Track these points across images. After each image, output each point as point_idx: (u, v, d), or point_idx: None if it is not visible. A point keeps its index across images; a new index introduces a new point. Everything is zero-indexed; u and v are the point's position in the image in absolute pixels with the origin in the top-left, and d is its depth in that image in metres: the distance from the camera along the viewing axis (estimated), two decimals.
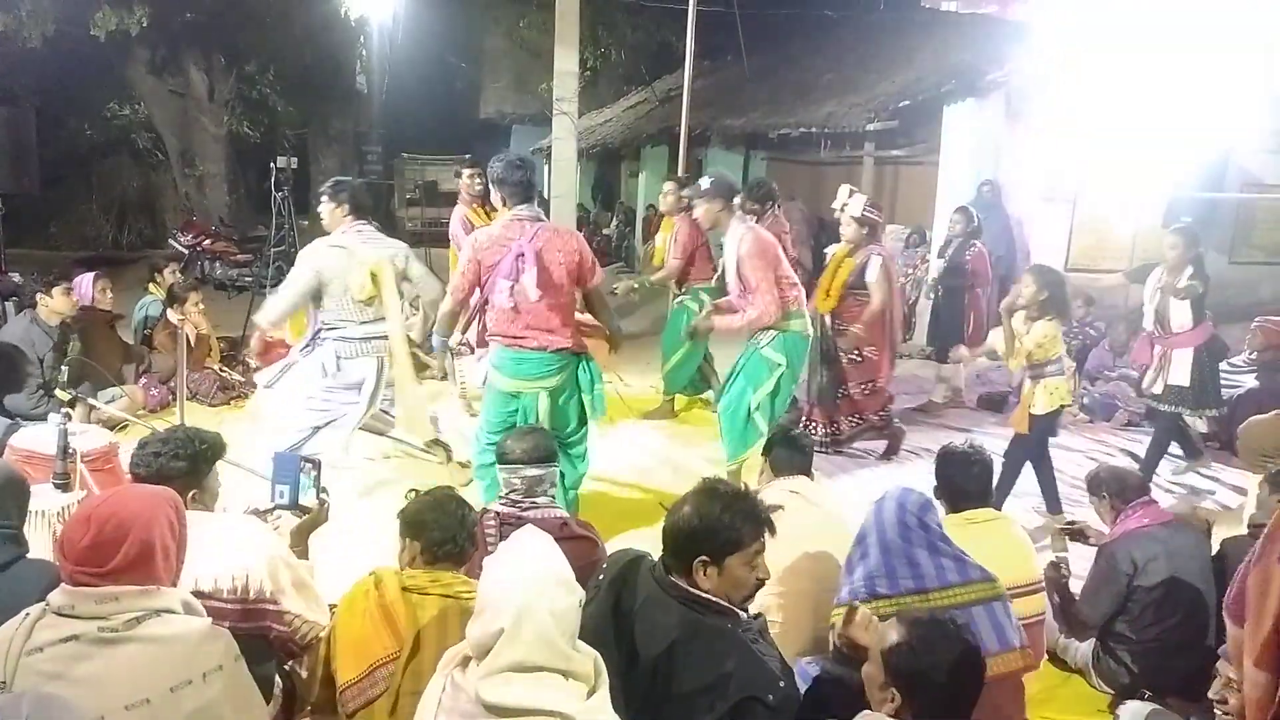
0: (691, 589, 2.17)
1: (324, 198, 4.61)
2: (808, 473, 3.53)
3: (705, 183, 4.90)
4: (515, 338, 3.96)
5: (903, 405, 7.23)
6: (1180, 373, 5.34)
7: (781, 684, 2.10)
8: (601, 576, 2.33)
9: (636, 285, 7.14)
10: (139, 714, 1.79)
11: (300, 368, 4.61)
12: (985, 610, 2.72)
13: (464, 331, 5.07)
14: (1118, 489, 3.52)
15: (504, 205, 4.06)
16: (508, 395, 4.06)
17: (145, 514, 1.96)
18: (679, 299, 6.59)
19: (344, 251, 4.47)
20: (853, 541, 2.87)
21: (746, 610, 2.26)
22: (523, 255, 3.85)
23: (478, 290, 4.06)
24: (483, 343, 4.22)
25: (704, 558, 2.15)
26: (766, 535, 2.22)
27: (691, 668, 2.08)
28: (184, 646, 1.88)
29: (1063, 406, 4.93)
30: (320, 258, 4.46)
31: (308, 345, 4.61)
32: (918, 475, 5.55)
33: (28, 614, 1.88)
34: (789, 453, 3.52)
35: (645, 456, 5.87)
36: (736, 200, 4.85)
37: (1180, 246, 5.29)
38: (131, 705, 1.79)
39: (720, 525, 2.16)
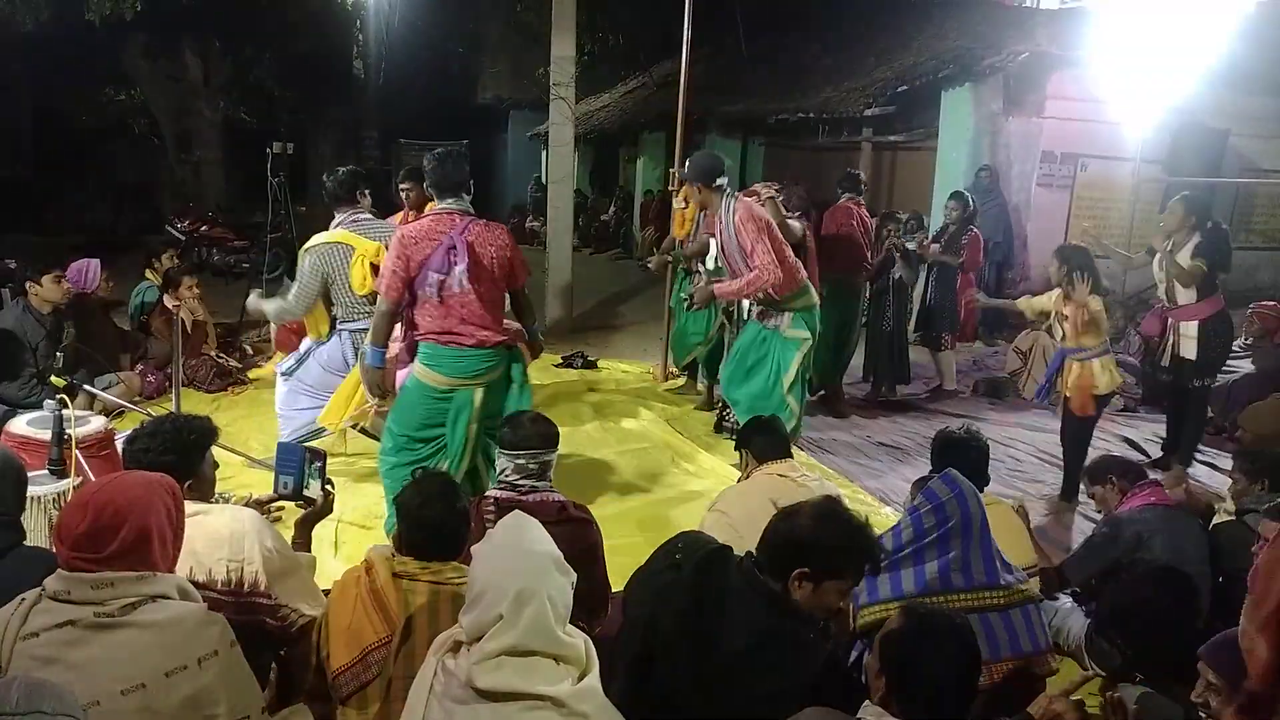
0: (780, 593, 2.17)
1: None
2: (789, 454, 3.57)
3: (687, 167, 4.94)
4: (451, 334, 3.82)
5: (906, 392, 7.24)
6: (1188, 346, 5.24)
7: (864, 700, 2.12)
8: (678, 555, 2.34)
9: (671, 259, 6.91)
10: (134, 699, 1.80)
11: (317, 356, 4.61)
12: (1035, 610, 2.78)
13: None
14: (1123, 472, 3.62)
15: (434, 199, 3.96)
16: (438, 392, 3.89)
17: (142, 500, 1.96)
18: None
19: (341, 247, 4.45)
20: (918, 534, 2.79)
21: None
22: (454, 249, 3.74)
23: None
24: (411, 351, 3.98)
25: (805, 570, 2.13)
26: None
27: (772, 669, 2.08)
28: (179, 632, 1.88)
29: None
30: (320, 257, 4.44)
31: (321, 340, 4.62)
32: (912, 461, 5.58)
33: (23, 599, 1.89)
34: (767, 438, 3.56)
35: (642, 441, 5.87)
36: (723, 180, 4.77)
37: (1180, 212, 5.14)
38: (127, 690, 1.80)
39: (835, 550, 2.15)
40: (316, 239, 4.52)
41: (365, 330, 4.40)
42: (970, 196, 7.32)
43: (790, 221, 5.54)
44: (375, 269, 4.26)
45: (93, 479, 3.40)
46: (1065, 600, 3.66)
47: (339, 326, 4.56)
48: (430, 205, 4.27)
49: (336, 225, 4.55)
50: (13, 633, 1.82)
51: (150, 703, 1.81)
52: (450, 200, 3.85)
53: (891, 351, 6.89)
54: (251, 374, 6.93)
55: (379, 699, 2.20)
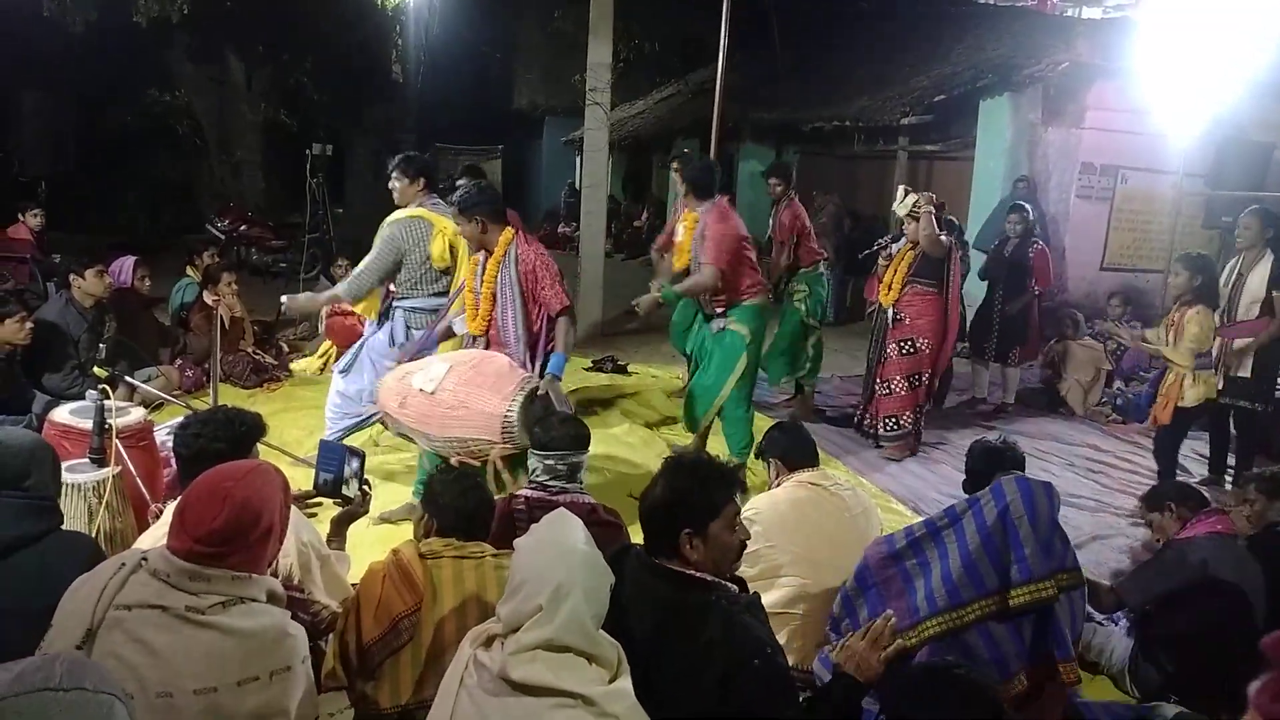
0: (675, 568, 2.18)
1: (395, 173, 4.67)
2: (816, 461, 3.48)
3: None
4: None
5: (956, 401, 7.17)
6: (1243, 363, 5.06)
7: (769, 650, 2.08)
8: None
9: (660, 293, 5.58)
10: (205, 700, 1.82)
11: (369, 347, 4.65)
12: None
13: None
14: (1181, 497, 3.58)
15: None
16: None
17: (273, 501, 1.98)
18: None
19: (422, 221, 4.53)
20: (991, 532, 2.74)
21: (737, 584, 2.26)
22: None
23: None
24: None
25: (688, 530, 2.16)
26: (739, 496, 2.26)
27: (677, 644, 2.09)
28: (259, 644, 1.89)
29: (1209, 400, 4.89)
30: (401, 229, 4.51)
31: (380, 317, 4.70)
32: (944, 471, 5.52)
33: (123, 564, 1.90)
34: (794, 442, 3.50)
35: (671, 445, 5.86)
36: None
37: (1256, 226, 5.04)
38: (199, 690, 1.81)
39: (694, 494, 2.19)
40: (397, 214, 4.62)
41: (420, 309, 4.52)
42: (1029, 208, 7.25)
43: (940, 237, 5.55)
44: (453, 250, 4.47)
45: (131, 469, 3.45)
46: (1111, 624, 3.59)
47: (395, 304, 4.61)
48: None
49: (419, 204, 4.63)
50: (109, 596, 1.84)
51: (219, 707, 1.83)
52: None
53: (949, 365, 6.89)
54: (294, 365, 7.05)
55: (410, 667, 2.25)
